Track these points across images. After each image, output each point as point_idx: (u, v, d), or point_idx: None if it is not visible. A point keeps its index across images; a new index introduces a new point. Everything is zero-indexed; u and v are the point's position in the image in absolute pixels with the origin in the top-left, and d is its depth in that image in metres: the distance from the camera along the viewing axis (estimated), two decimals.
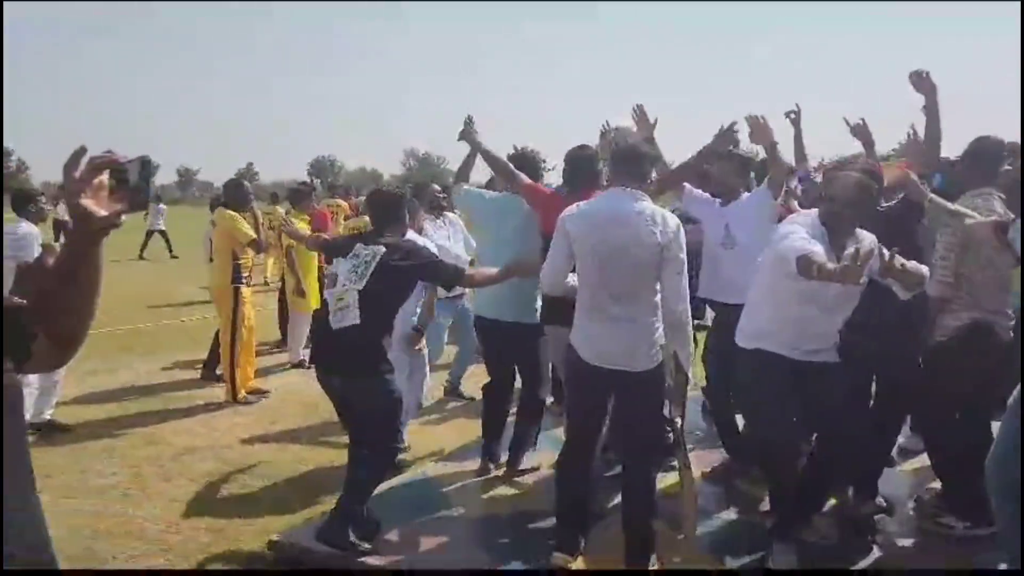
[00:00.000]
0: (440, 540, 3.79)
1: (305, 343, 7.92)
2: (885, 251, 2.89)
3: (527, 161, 4.61)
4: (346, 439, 4.14)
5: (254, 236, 6.41)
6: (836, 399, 3.43)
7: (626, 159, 3.36)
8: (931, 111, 3.87)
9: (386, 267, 3.64)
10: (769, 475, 3.71)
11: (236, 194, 6.65)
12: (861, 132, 4.37)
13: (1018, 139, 4.16)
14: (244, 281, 6.45)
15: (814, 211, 3.42)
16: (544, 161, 4.91)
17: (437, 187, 6.37)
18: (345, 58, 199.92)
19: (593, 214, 3.31)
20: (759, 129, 4.02)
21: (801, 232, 3.16)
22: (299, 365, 7.67)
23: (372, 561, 3.55)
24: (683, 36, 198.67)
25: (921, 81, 3.86)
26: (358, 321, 3.58)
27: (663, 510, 3.54)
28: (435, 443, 5.35)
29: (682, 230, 3.25)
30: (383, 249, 3.69)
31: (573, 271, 3.41)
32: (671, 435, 3.42)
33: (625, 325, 3.25)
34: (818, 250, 2.98)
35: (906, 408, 4.09)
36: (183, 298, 12.33)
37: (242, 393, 6.45)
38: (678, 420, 3.48)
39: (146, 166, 1.41)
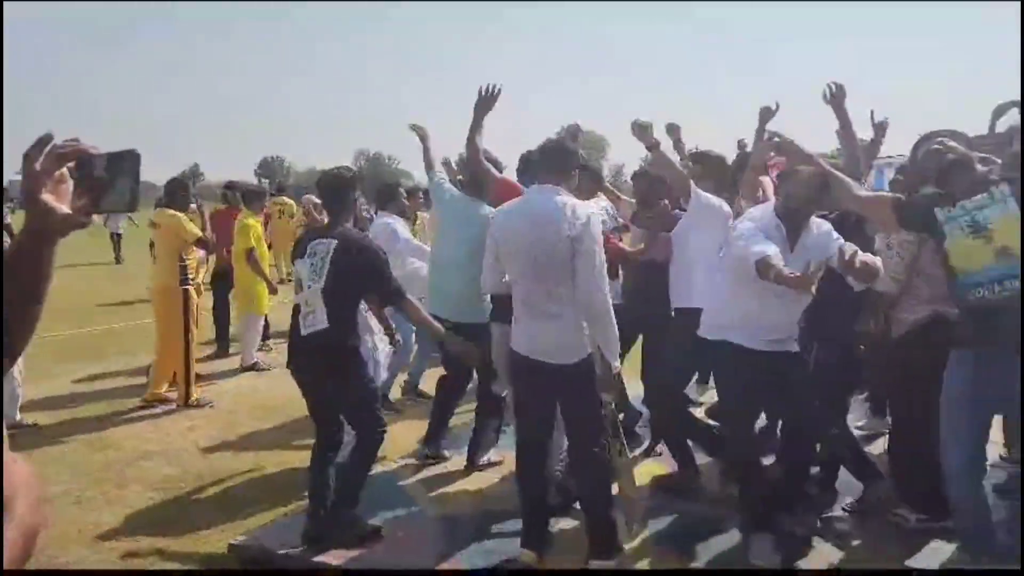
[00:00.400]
0: (401, 539, 3.81)
1: (259, 345, 7.92)
2: (847, 248, 3.13)
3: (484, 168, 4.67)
4: (302, 441, 4.19)
5: (200, 234, 6.36)
6: (800, 388, 3.60)
7: (549, 155, 3.46)
8: (841, 121, 4.05)
9: (340, 262, 3.64)
10: (735, 468, 3.82)
11: (178, 194, 6.58)
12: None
13: None
14: (191, 282, 6.36)
15: (768, 205, 3.61)
16: (498, 160, 4.96)
17: (403, 191, 6.43)
18: (294, 57, 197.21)
19: (515, 212, 3.43)
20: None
21: (758, 234, 3.32)
22: (252, 368, 7.61)
23: (332, 561, 3.55)
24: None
25: (833, 98, 4.00)
26: (327, 325, 3.60)
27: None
28: (393, 441, 5.33)
29: (595, 222, 3.25)
30: (335, 243, 3.69)
31: None
32: (610, 423, 3.44)
33: (552, 319, 3.30)
34: (773, 251, 3.16)
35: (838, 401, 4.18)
36: (129, 301, 12.05)
37: (194, 396, 6.36)
38: (610, 408, 3.47)
39: (125, 160, 1.19)
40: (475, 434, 4.71)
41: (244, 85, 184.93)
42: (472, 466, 4.65)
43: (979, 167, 3.22)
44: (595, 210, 3.32)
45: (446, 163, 5.35)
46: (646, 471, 4.55)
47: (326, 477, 3.78)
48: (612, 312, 3.26)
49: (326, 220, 3.91)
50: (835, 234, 3.51)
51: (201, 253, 6.76)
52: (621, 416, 4.67)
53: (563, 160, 3.43)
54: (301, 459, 4.90)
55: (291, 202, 13.28)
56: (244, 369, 7.63)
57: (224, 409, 6.28)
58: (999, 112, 5.77)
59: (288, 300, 7.45)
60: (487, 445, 4.71)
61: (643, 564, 3.56)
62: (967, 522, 3.27)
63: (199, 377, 6.70)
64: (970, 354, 3.14)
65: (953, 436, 3.20)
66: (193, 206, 6.93)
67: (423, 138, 4.98)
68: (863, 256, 3.21)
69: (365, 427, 3.77)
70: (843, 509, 4.01)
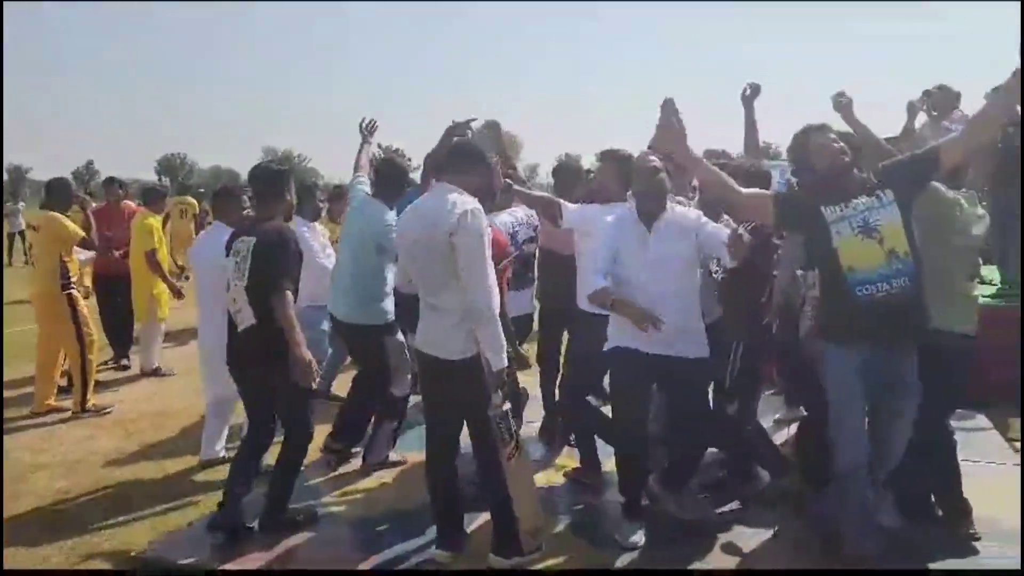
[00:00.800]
0: (311, 540, 3.79)
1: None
2: (741, 230, 3.29)
3: (393, 167, 4.71)
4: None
5: (83, 234, 6.16)
6: (690, 396, 3.71)
7: (452, 154, 3.53)
8: (747, 119, 4.24)
9: (259, 257, 3.66)
10: (618, 458, 3.92)
11: (59, 193, 6.31)
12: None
13: None
14: (74, 285, 6.11)
15: (628, 205, 3.81)
16: (410, 160, 4.98)
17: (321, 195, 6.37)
18: (198, 52, 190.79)
19: (410, 210, 3.48)
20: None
21: (596, 258, 3.63)
22: (153, 373, 7.37)
23: (238, 567, 3.51)
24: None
25: (745, 98, 4.18)
26: (255, 321, 3.67)
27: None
28: None
29: (475, 218, 3.18)
30: (254, 240, 3.70)
31: None
32: (500, 424, 3.35)
33: (438, 314, 3.34)
34: (602, 283, 3.46)
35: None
36: (23, 300, 11.41)
37: (91, 402, 6.13)
38: (499, 409, 3.36)
39: None
40: (371, 434, 4.77)
41: (144, 79, 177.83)
42: (364, 463, 4.72)
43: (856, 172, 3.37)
44: (479, 207, 3.26)
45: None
46: (561, 463, 4.71)
47: (248, 473, 3.84)
48: (494, 311, 3.21)
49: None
50: (703, 218, 3.66)
51: (84, 255, 6.50)
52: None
53: (464, 160, 3.44)
54: (205, 467, 4.84)
55: (194, 202, 12.86)
56: (145, 375, 7.37)
57: (124, 417, 6.04)
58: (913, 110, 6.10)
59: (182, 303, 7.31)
60: (381, 445, 4.76)
61: (559, 559, 3.59)
62: (856, 517, 3.36)
63: (97, 384, 6.43)
64: (852, 351, 3.27)
65: (848, 434, 3.29)
66: (76, 205, 6.67)
67: (367, 135, 5.01)
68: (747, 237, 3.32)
69: (292, 427, 3.85)
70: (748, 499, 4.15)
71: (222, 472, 4.58)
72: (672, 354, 3.61)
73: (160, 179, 68.96)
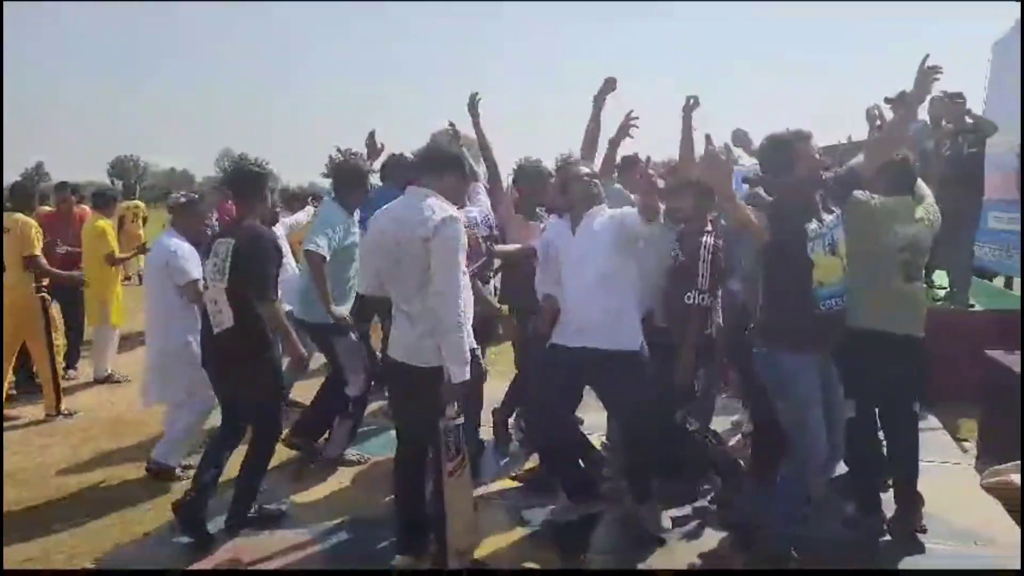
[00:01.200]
0: (273, 542, 3.80)
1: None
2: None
3: (349, 168, 4.69)
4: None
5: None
6: (616, 390, 3.71)
7: (425, 158, 3.48)
8: (684, 130, 4.33)
9: (239, 258, 3.71)
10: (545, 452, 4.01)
11: (23, 196, 6.25)
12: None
13: None
14: (45, 288, 6.06)
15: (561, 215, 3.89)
16: (367, 160, 4.93)
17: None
18: (151, 51, 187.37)
19: (383, 213, 3.43)
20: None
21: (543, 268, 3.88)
22: (106, 380, 7.22)
23: (201, 567, 3.55)
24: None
25: (685, 108, 4.26)
26: (233, 323, 3.73)
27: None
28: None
29: (453, 226, 3.15)
30: (233, 241, 3.75)
31: None
32: (449, 437, 3.28)
33: (406, 320, 3.30)
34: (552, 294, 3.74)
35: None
36: None
37: (63, 406, 6.10)
38: (451, 422, 3.28)
39: None
40: (331, 434, 4.85)
41: (95, 79, 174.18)
42: (319, 458, 4.79)
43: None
44: (457, 214, 3.24)
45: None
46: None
47: (215, 469, 3.91)
48: (461, 322, 3.15)
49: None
50: (617, 219, 3.64)
51: None
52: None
53: (437, 162, 3.40)
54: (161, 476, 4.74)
55: (143, 205, 12.65)
56: (97, 381, 7.22)
57: (76, 426, 5.91)
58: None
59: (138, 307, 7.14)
60: (336, 442, 4.81)
61: (514, 557, 3.62)
62: (782, 519, 3.46)
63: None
64: (812, 358, 3.36)
65: (815, 434, 3.34)
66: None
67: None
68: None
69: (262, 427, 3.92)
70: (709, 502, 4.20)
71: (184, 482, 4.56)
72: (592, 345, 3.62)
73: (113, 182, 67.42)
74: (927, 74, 3.34)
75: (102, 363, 7.32)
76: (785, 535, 3.46)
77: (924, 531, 3.80)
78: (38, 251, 5.94)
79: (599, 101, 4.63)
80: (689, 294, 3.98)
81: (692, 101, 4.30)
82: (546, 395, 3.83)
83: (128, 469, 4.95)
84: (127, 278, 8.68)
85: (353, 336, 4.61)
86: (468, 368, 3.17)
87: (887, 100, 6.73)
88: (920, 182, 3.96)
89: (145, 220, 12.19)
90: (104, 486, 4.71)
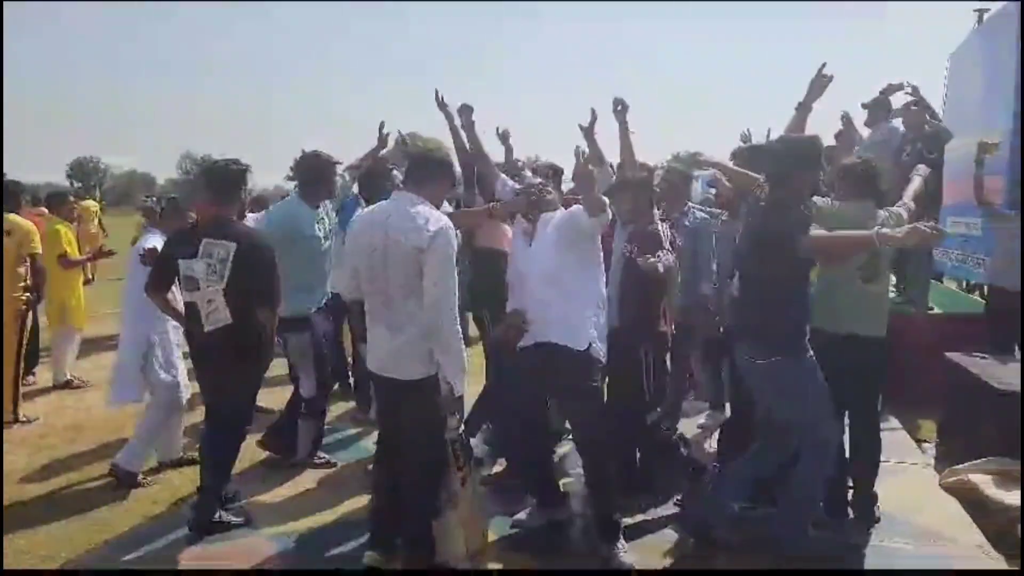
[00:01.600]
0: (237, 544, 3.81)
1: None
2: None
3: (308, 163, 4.65)
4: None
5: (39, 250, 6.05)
6: (564, 386, 3.63)
7: (415, 164, 3.39)
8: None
9: (242, 263, 3.77)
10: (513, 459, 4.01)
11: (11, 195, 6.20)
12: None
13: None
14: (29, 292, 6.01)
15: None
16: (336, 162, 4.85)
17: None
18: (110, 51, 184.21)
19: (367, 217, 3.36)
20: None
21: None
22: (65, 385, 7.06)
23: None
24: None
25: (617, 112, 4.27)
26: (230, 321, 3.78)
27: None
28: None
29: (448, 236, 3.10)
30: (235, 245, 3.78)
31: None
32: (456, 447, 3.29)
33: (391, 331, 3.21)
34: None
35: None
36: None
37: (21, 412, 5.99)
38: (454, 431, 3.31)
39: None
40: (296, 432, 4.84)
41: (52, 79, 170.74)
42: (284, 459, 4.80)
43: None
44: (449, 222, 3.17)
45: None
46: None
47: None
48: (459, 333, 3.12)
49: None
50: (564, 214, 3.63)
51: None
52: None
53: (425, 169, 3.32)
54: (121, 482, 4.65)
55: (96, 204, 12.45)
56: (57, 387, 7.05)
57: (33, 432, 5.77)
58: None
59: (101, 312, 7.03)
60: (301, 444, 4.78)
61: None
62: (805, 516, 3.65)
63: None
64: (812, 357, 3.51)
65: (830, 435, 3.56)
66: None
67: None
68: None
69: (232, 424, 3.96)
70: (675, 504, 4.20)
71: (144, 489, 4.53)
72: (541, 340, 3.57)
73: (71, 183, 66.13)
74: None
75: (61, 368, 7.16)
76: (802, 538, 3.60)
77: (878, 520, 3.93)
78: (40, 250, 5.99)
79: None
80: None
81: (620, 106, 4.25)
82: (514, 401, 3.81)
83: (87, 474, 4.85)
84: (88, 280, 8.46)
85: (307, 335, 4.56)
86: (464, 381, 3.14)
87: (864, 106, 6.94)
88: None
89: (100, 221, 11.97)
90: (64, 493, 4.61)
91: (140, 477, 4.66)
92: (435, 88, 4.51)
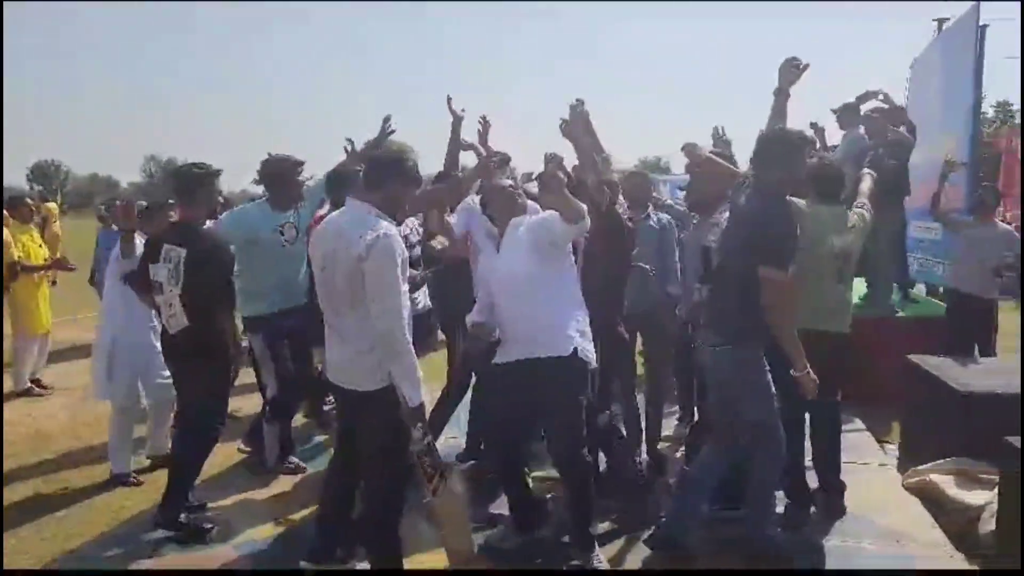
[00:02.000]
0: (206, 550, 3.81)
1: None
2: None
3: (271, 168, 4.63)
4: (85, 470, 4.48)
5: None
6: (548, 399, 3.54)
7: (365, 169, 3.29)
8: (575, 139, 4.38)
9: (193, 266, 3.79)
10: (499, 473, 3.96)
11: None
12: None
13: None
14: None
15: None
16: (299, 162, 4.78)
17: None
18: (72, 52, 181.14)
19: (323, 226, 3.28)
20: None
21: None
22: (26, 393, 6.88)
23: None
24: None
25: (573, 112, 4.25)
26: (187, 324, 3.84)
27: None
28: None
29: (387, 243, 2.93)
30: (185, 251, 3.82)
31: None
32: (424, 459, 3.18)
33: (343, 342, 3.13)
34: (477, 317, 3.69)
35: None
36: None
37: None
38: (420, 443, 3.13)
39: None
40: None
41: (13, 81, 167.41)
42: (250, 457, 4.89)
43: None
44: (392, 229, 3.01)
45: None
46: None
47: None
48: (406, 342, 2.95)
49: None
50: (537, 219, 3.58)
51: None
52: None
53: (373, 173, 3.17)
54: (85, 491, 4.62)
55: (54, 206, 12.25)
56: (17, 395, 6.88)
57: None
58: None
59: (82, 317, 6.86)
60: (267, 446, 4.78)
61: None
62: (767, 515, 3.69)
63: None
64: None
65: (778, 428, 3.58)
66: None
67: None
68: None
69: (200, 425, 3.98)
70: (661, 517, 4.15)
71: (104, 498, 4.47)
72: (518, 357, 3.52)
73: (32, 187, 64.88)
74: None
75: (21, 375, 7.00)
76: (770, 535, 3.65)
77: (844, 512, 4.03)
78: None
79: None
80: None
81: (579, 106, 4.22)
82: (497, 417, 3.79)
83: (50, 485, 4.75)
84: (53, 283, 8.25)
85: (259, 337, 4.57)
86: (422, 389, 3.01)
87: (834, 111, 7.05)
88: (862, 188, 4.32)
89: (56, 221, 11.74)
90: (26, 500, 4.52)
91: (131, 476, 4.73)
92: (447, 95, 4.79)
